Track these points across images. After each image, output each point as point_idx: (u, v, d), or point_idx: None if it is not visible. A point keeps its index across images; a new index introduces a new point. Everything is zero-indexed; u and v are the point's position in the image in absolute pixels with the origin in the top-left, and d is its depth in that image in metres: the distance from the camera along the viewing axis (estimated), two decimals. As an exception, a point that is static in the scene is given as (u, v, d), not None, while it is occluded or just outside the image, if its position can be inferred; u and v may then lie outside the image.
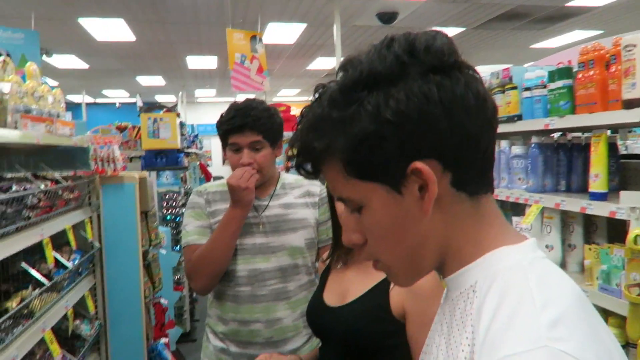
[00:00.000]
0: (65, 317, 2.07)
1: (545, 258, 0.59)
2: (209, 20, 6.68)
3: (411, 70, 0.56)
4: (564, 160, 2.00)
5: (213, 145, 14.77)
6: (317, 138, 0.59)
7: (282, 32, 7.42)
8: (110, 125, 5.10)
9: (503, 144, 2.20)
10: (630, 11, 6.72)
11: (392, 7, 6.30)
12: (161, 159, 4.92)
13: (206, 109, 15.28)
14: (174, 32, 7.29)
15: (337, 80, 0.60)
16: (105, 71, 10.35)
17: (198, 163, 6.99)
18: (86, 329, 2.30)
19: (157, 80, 11.69)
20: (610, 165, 1.72)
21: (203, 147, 9.88)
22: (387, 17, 6.55)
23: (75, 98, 12.84)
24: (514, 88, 2.08)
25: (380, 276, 1.20)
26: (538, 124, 1.91)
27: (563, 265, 1.94)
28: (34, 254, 2.01)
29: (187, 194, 5.39)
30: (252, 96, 1.83)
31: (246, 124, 1.63)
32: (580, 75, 1.70)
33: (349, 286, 1.27)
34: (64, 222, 2.09)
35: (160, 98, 14.30)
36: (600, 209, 1.61)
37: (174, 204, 5.07)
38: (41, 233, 1.82)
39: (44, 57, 7.75)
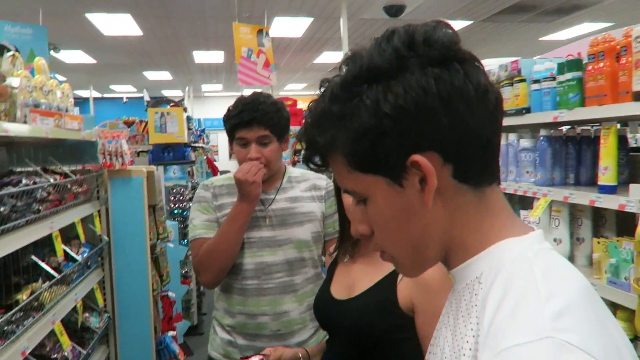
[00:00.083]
0: (74, 309, 2.09)
1: (551, 250, 0.59)
2: (216, 15, 6.68)
3: (410, 64, 0.56)
4: (572, 153, 1.99)
5: (220, 140, 14.80)
6: (320, 133, 0.61)
7: (289, 26, 7.40)
8: (118, 120, 5.12)
9: (511, 137, 2.18)
10: (641, 3, 6.63)
11: (399, 0, 6.26)
12: (168, 154, 4.94)
13: (213, 104, 15.31)
14: (181, 26, 7.30)
15: (340, 74, 0.61)
16: (113, 66, 10.40)
17: (205, 157, 7.02)
18: (95, 322, 2.32)
19: (164, 75, 11.72)
20: (620, 158, 1.71)
21: (210, 142, 9.91)
22: (394, 10, 6.50)
23: (82, 93, 12.92)
24: (523, 80, 2.06)
25: (387, 269, 1.20)
26: (547, 116, 1.89)
27: (571, 258, 1.93)
28: (44, 247, 2.03)
29: (194, 188, 5.41)
30: (258, 90, 1.82)
31: (254, 118, 1.63)
32: (590, 67, 1.68)
33: (356, 279, 1.27)
34: (73, 216, 2.11)
35: (167, 93, 14.34)
36: (609, 202, 1.60)
37: (181, 198, 5.10)
38: (51, 226, 1.84)
39: (52, 53, 7.78)
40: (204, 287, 4.67)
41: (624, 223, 1.83)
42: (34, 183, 1.71)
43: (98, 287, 2.42)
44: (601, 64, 1.63)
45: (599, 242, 1.72)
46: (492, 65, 2.36)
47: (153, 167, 2.95)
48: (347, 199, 1.24)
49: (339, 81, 0.60)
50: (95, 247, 2.33)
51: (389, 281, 1.19)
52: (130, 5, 6.12)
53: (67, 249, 2.05)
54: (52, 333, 1.82)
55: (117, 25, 7.03)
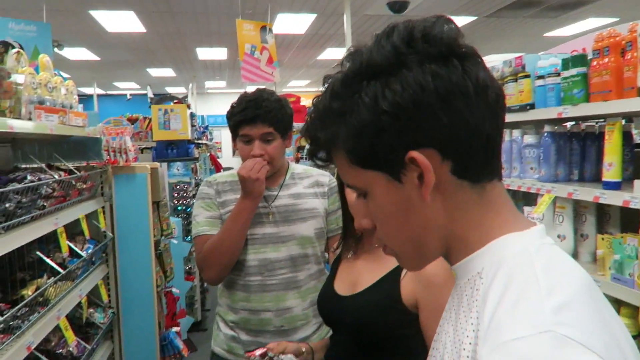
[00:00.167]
0: (79, 305, 2.10)
1: (553, 245, 0.59)
2: (219, 11, 6.67)
3: (408, 61, 0.56)
4: (577, 149, 1.98)
5: (223, 137, 14.82)
6: (321, 128, 0.62)
7: (292, 23, 7.39)
8: (122, 116, 5.14)
9: (515, 133, 2.17)
10: (647, -2, 6.58)
11: (403, -4, 6.24)
12: (172, 150, 4.95)
13: (216, 100, 15.32)
14: (184, 23, 7.30)
15: (342, 70, 0.62)
16: (116, 63, 10.41)
17: (208, 154, 7.03)
18: (100, 317, 2.34)
19: (168, 72, 11.74)
20: (624, 154, 1.70)
21: (213, 139, 9.93)
22: (398, 6, 6.48)
23: (86, 90, 12.95)
24: (527, 76, 2.05)
25: (390, 266, 1.20)
26: (551, 112, 1.88)
27: (575, 255, 1.92)
28: (49, 243, 2.04)
29: (198, 184, 5.42)
30: (262, 87, 1.82)
31: (258, 115, 1.63)
32: (594, 63, 1.67)
33: (360, 275, 1.28)
34: (77, 212, 2.12)
35: (170, 89, 14.36)
36: (613, 198, 1.59)
37: (184, 195, 5.10)
38: (55, 222, 1.85)
39: (56, 50, 7.80)
40: (208, 284, 4.68)
41: (628, 219, 1.82)
42: (39, 179, 1.72)
43: (102, 283, 2.43)
44: (606, 60, 1.62)
45: (603, 239, 1.71)
46: (496, 61, 2.35)
47: (157, 164, 2.95)
48: (351, 196, 1.24)
49: (340, 77, 0.60)
50: (99, 244, 2.34)
51: (393, 277, 1.19)
52: (133, 2, 6.13)
53: (72, 245, 2.06)
54: (57, 328, 1.84)
55: (121, 22, 7.04)
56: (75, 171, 2.15)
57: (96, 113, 5.12)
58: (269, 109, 1.64)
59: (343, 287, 1.30)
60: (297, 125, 3.01)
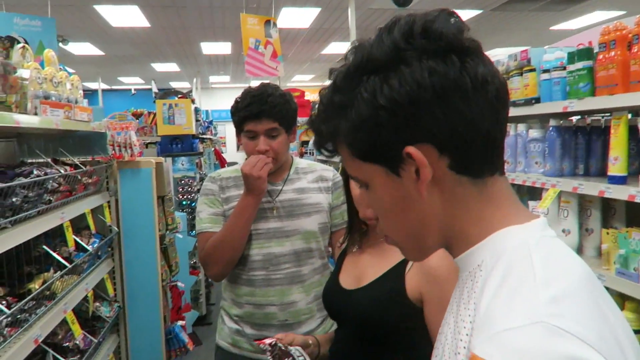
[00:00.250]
0: (85, 299, 2.12)
1: (555, 237, 0.59)
2: (223, 6, 6.66)
3: (407, 56, 0.56)
4: (582, 143, 1.97)
5: (227, 131, 14.82)
6: (324, 121, 0.63)
7: (296, 17, 7.37)
8: (126, 111, 5.15)
9: (520, 127, 2.17)
10: (654, -9, 6.51)
11: (408, -10, 6.20)
12: (176, 145, 4.96)
13: (220, 95, 15.32)
14: (188, 17, 7.29)
15: (346, 64, 0.62)
16: (121, 58, 10.43)
17: (213, 149, 7.04)
18: (106, 311, 2.36)
19: (172, 67, 11.74)
20: (630, 148, 1.69)
21: (218, 133, 9.93)
22: (402, 0, 6.44)
23: (91, 85, 12.98)
24: (532, 70, 2.04)
25: (395, 260, 1.21)
26: (556, 106, 1.87)
27: (580, 249, 1.92)
28: (55, 237, 2.06)
29: (202, 179, 5.43)
30: (266, 81, 1.82)
31: (263, 111, 1.62)
32: (601, 56, 1.66)
33: (365, 269, 1.28)
34: (83, 206, 2.13)
35: (175, 84, 14.37)
36: (619, 193, 1.58)
37: (189, 190, 5.12)
38: (62, 216, 1.86)
39: (60, 45, 7.82)
40: (211, 280, 4.70)
41: (633, 214, 1.82)
42: (45, 174, 1.73)
43: (108, 277, 2.45)
44: (612, 53, 1.61)
45: (608, 233, 1.71)
46: (501, 55, 2.34)
47: (161, 159, 2.96)
48: (356, 190, 1.24)
49: (343, 71, 0.61)
50: (105, 238, 2.36)
51: (398, 271, 1.19)
52: (137, -4, 6.13)
53: (78, 240, 2.08)
54: (64, 322, 1.86)
55: (125, 16, 7.05)
56: (81, 166, 2.16)
57: (101, 108, 5.14)
58: (274, 104, 1.63)
59: (348, 281, 1.31)
60: (301, 120, 3.01)
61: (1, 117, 1.43)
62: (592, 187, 1.69)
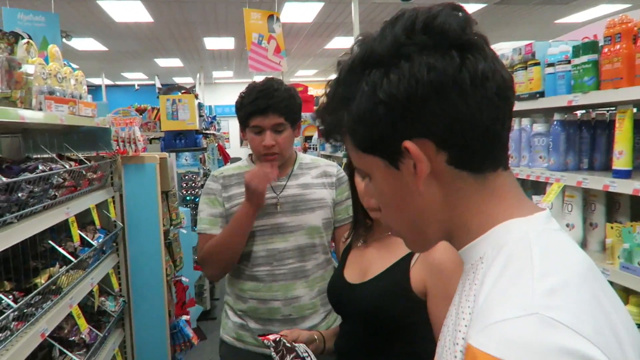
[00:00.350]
0: (91, 293, 2.13)
1: (558, 230, 0.59)
2: (226, 0, 6.64)
3: (407, 51, 0.57)
4: (587, 137, 1.96)
5: (231, 127, 14.84)
6: (329, 113, 0.65)
7: (300, 11, 7.35)
8: (130, 107, 5.16)
9: (524, 121, 2.16)
10: (660, -17, 6.46)
11: (411, -16, 6.17)
12: (180, 141, 4.97)
13: (224, 90, 15.31)
14: (191, 12, 7.28)
15: (351, 57, 0.63)
16: (124, 53, 10.43)
17: (216, 144, 7.05)
18: (111, 306, 2.37)
19: (175, 62, 11.74)
20: (635, 142, 1.68)
21: (221, 129, 9.94)
22: (406, -6, 6.41)
23: (94, 81, 13.00)
24: (537, 64, 2.03)
25: (400, 254, 1.21)
26: (561, 100, 1.86)
27: (584, 244, 1.91)
28: (60, 232, 2.07)
29: (206, 175, 5.45)
30: (270, 77, 1.82)
31: (269, 106, 1.62)
32: (606, 50, 1.65)
33: (370, 264, 1.28)
34: (88, 202, 2.14)
35: (178, 80, 14.37)
36: (623, 187, 1.58)
37: (193, 185, 5.13)
38: (67, 212, 1.87)
39: (64, 40, 7.83)
40: (209, 280, 4.72)
41: (638, 208, 1.81)
42: (50, 169, 1.73)
43: (113, 272, 2.46)
44: (617, 46, 1.60)
45: (612, 227, 1.70)
46: (505, 48, 2.33)
47: (165, 154, 2.97)
48: (361, 185, 1.24)
49: (348, 64, 0.62)
50: (110, 233, 2.37)
51: (402, 265, 1.19)
52: (140, -9, 6.12)
53: (83, 235, 2.09)
54: (70, 316, 1.87)
55: (128, 12, 7.05)
56: (86, 161, 2.17)
57: (105, 103, 5.15)
58: (280, 99, 1.63)
59: (353, 275, 1.31)
60: (305, 115, 3.01)
61: (6, 113, 1.44)
62: (597, 182, 1.69)
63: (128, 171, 2.59)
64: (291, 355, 1.19)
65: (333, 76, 0.66)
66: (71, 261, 1.85)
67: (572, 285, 0.51)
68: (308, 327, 1.69)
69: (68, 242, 2.01)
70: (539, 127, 2.06)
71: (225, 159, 7.33)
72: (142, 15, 7.27)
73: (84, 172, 2.08)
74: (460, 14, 0.58)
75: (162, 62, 11.71)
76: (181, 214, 3.36)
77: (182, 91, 5.26)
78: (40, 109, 1.72)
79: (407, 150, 0.57)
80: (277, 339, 1.24)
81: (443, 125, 0.56)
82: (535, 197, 2.06)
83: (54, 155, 2.03)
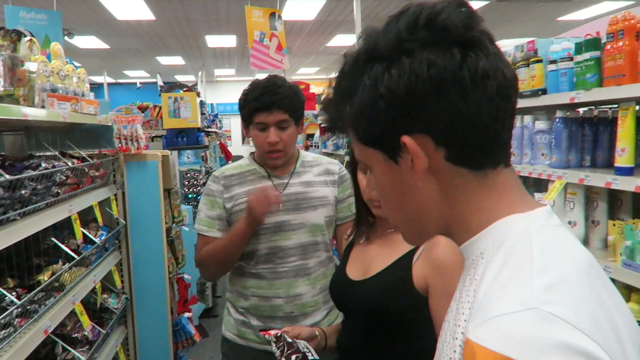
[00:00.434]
0: (93, 290, 2.14)
1: (559, 226, 0.59)
2: (228, -2, 6.64)
3: (409, 47, 0.57)
4: (589, 135, 1.96)
5: (232, 125, 14.84)
6: (333, 105, 0.66)
7: (301, 9, 7.34)
8: (132, 105, 5.16)
9: (526, 119, 2.15)
10: (664, -20, 6.43)
11: (413, -19, 6.15)
12: (182, 139, 4.97)
13: (226, 88, 15.32)
14: (193, 10, 7.28)
15: (357, 49, 0.64)
16: (126, 51, 10.44)
17: (218, 142, 7.05)
18: (113, 303, 2.38)
19: (177, 60, 11.74)
20: (637, 139, 1.68)
21: (223, 127, 9.94)
22: (408, -9, 6.39)
23: (96, 79, 13.01)
24: (539, 61, 2.02)
25: (402, 250, 1.21)
26: (563, 97, 1.86)
27: (586, 241, 1.91)
28: (63, 230, 2.08)
29: (208, 172, 5.46)
30: (272, 74, 1.82)
31: (274, 102, 1.62)
32: (608, 47, 1.64)
33: (372, 260, 1.28)
34: (90, 199, 2.15)
35: (180, 77, 14.37)
36: (626, 184, 1.58)
37: (195, 183, 5.14)
38: (69, 209, 1.88)
39: (66, 38, 7.83)
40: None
41: (640, 205, 1.81)
42: (53, 167, 1.74)
43: (116, 269, 2.47)
44: (620, 43, 1.59)
45: (614, 225, 1.70)
46: (508, 46, 2.32)
47: (167, 152, 2.97)
48: (363, 181, 1.24)
49: (353, 57, 0.63)
50: (112, 230, 2.38)
51: (405, 262, 1.20)
52: (142, -11, 6.12)
53: (86, 232, 2.09)
54: (73, 313, 1.87)
55: (130, 9, 7.05)
56: (88, 159, 2.17)
57: (107, 101, 5.16)
58: (284, 95, 1.63)
59: (355, 272, 1.31)
60: (307, 113, 3.01)
61: (9, 110, 1.44)
62: (599, 179, 1.69)
63: (130, 169, 2.59)
64: (291, 350, 1.20)
65: (335, 74, 0.66)
66: (74, 258, 1.85)
67: (571, 281, 0.51)
68: (310, 324, 1.69)
69: (71, 239, 2.01)
70: (541, 125, 2.06)
71: (227, 156, 7.34)
72: (143, 13, 7.27)
73: (86, 170, 2.08)
74: (464, 10, 0.58)
75: (164, 60, 11.71)
76: (183, 212, 3.36)
77: (184, 89, 5.26)
78: (43, 107, 1.73)
79: (405, 146, 0.58)
80: (278, 334, 1.25)
81: (442, 123, 0.57)
82: (537, 195, 2.06)
83: (57, 153, 2.04)
